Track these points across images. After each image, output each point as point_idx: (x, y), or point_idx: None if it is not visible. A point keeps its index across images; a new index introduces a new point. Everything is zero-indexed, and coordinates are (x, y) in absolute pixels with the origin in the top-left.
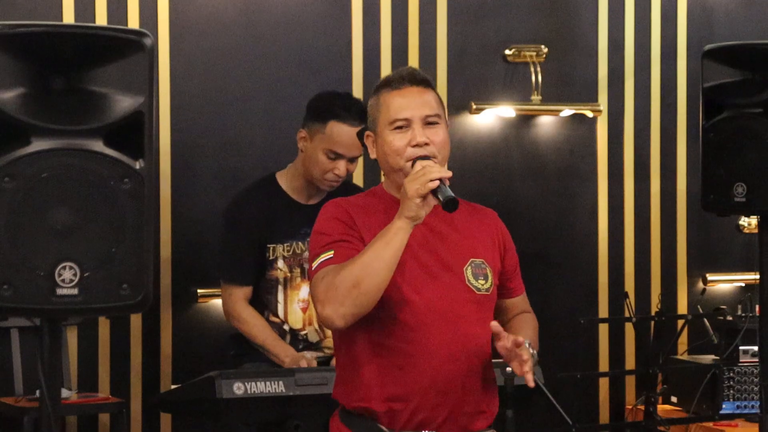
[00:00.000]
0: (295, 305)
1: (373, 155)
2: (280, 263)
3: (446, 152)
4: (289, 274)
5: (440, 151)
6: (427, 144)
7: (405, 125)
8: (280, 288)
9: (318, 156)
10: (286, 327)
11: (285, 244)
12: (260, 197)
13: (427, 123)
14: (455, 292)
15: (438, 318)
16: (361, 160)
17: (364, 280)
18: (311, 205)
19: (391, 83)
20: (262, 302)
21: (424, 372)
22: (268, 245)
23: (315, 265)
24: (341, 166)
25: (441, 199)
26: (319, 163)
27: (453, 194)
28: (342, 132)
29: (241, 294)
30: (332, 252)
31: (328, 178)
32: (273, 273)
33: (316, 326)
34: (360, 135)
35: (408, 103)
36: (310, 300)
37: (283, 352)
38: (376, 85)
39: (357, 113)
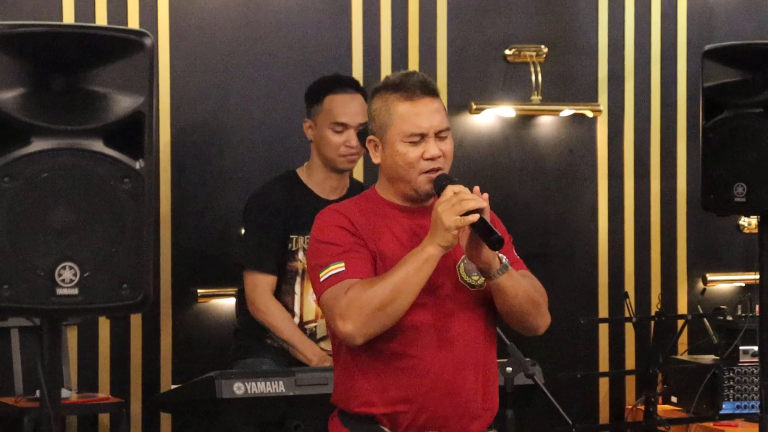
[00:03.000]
0: (310, 296)
1: (376, 160)
2: (301, 255)
3: (451, 160)
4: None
5: (449, 161)
6: (440, 156)
7: (419, 140)
8: (298, 279)
9: (326, 135)
10: (296, 319)
11: (306, 236)
12: (282, 189)
13: (439, 136)
14: (449, 291)
15: (434, 319)
16: (361, 161)
17: (391, 304)
18: (333, 199)
19: (400, 89)
20: (278, 293)
21: (425, 373)
22: (291, 236)
23: (324, 276)
24: (351, 137)
25: (485, 238)
26: (329, 142)
27: (497, 232)
28: (340, 101)
29: (266, 284)
30: (343, 264)
31: (342, 153)
32: (293, 264)
33: None
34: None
35: (425, 117)
36: None
37: (311, 350)
38: (379, 86)
39: (350, 83)
